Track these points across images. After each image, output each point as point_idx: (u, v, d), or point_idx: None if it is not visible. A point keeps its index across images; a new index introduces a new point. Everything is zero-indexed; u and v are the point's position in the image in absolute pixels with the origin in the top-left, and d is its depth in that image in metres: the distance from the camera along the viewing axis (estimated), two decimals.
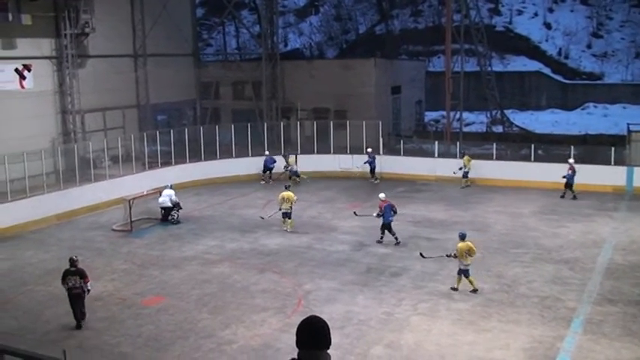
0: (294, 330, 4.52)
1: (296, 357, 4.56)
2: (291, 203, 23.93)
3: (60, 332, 15.74)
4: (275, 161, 32.88)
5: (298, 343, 4.52)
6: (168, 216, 25.56)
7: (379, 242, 22.26)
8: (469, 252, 17.41)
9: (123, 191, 26.53)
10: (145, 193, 26.56)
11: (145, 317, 16.56)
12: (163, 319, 16.37)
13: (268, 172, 32.76)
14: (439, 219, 25.62)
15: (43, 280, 19.54)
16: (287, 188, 24.58)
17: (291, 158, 32.56)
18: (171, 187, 26.09)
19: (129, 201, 24.89)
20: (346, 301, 17.20)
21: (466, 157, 31.08)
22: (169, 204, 25.50)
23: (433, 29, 56.37)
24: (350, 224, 24.98)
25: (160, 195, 25.88)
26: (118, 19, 36.87)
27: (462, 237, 17.67)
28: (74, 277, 16.14)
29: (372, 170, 32.32)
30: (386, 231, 22.17)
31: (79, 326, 15.89)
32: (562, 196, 28.15)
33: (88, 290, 16.26)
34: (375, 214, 22.49)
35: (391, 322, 15.87)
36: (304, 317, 4.65)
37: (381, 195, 23.01)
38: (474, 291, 17.48)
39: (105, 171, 29.56)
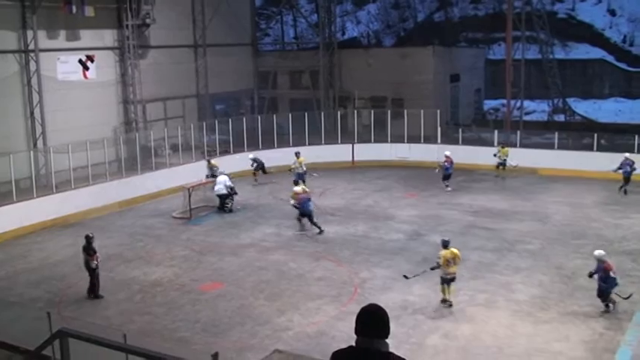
0: (350, 318, 4.51)
1: (353, 345, 4.55)
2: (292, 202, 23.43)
3: (120, 317, 16.11)
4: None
5: (357, 331, 4.50)
6: (224, 204, 25.82)
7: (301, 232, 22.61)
8: (454, 260, 15.83)
9: (182, 179, 26.94)
10: (203, 181, 26.91)
11: (203, 303, 16.83)
12: (221, 305, 16.60)
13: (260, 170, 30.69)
14: (498, 209, 25.26)
15: (104, 266, 19.89)
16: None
17: (301, 158, 28.85)
18: (224, 174, 26.21)
19: (188, 189, 25.27)
20: (402, 290, 17.13)
21: (502, 148, 30.49)
22: (224, 191, 25.67)
23: (493, 16, 55.30)
24: (407, 213, 24.86)
25: (215, 183, 26.03)
26: (179, 10, 37.33)
27: (445, 244, 16.01)
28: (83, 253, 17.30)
29: (448, 177, 28.72)
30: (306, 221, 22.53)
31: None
32: (623, 191, 26.61)
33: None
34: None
35: (447, 312, 15.74)
36: (360, 306, 4.64)
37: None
38: (445, 301, 15.94)
39: (165, 159, 30.09)
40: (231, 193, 25.86)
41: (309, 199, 22.69)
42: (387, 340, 4.46)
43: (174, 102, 36.81)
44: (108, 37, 33.01)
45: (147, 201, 27.58)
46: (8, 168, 23.40)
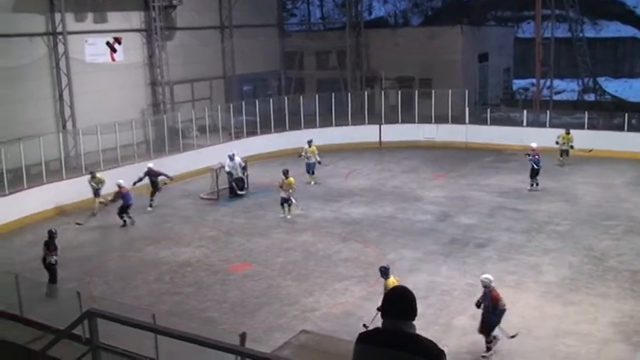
0: (377, 299, 4.52)
1: (380, 327, 4.55)
2: (292, 189, 22.30)
3: (149, 297, 16.29)
4: (242, 167, 26.18)
5: (384, 313, 4.50)
6: (243, 187, 25.63)
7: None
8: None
9: (210, 160, 27.01)
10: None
11: (231, 283, 16.96)
12: (249, 286, 16.72)
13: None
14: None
15: (133, 246, 20.22)
16: (286, 174, 22.45)
17: (312, 147, 27.20)
18: (234, 157, 25.41)
19: (216, 170, 25.37)
20: (430, 271, 17.11)
21: (567, 134, 28.35)
22: (241, 174, 25.52)
23: None
24: (434, 194, 24.76)
25: (227, 167, 25.33)
26: None
27: (386, 272, 13.33)
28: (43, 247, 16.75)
29: (536, 173, 24.96)
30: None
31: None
32: None
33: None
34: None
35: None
36: (392, 287, 4.63)
37: None
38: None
39: (193, 141, 30.24)
40: (244, 175, 25.72)
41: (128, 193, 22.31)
42: (414, 322, 4.44)
43: (202, 84, 36.89)
44: (135, 18, 33.10)
45: (175, 182, 27.71)
46: (38, 150, 23.64)
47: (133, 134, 27.32)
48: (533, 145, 25.01)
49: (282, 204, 22.42)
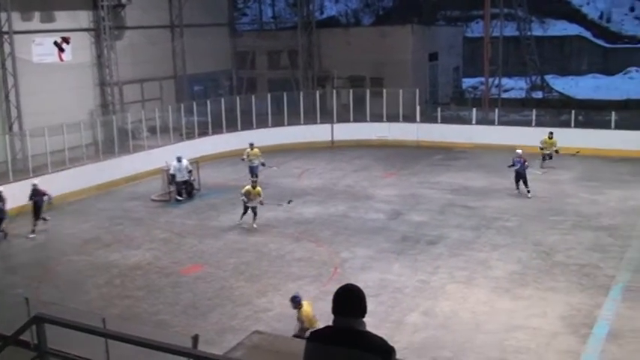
0: (330, 298, 4.53)
1: (331, 324, 4.58)
2: (260, 199, 21.13)
3: (100, 301, 16.04)
4: (189, 170, 25.31)
5: (334, 311, 4.53)
6: (192, 190, 25.30)
7: None
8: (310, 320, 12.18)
9: (161, 162, 26.73)
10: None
11: (183, 285, 16.81)
12: (201, 287, 16.60)
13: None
14: (477, 187, 25.41)
15: (82, 249, 19.90)
16: (254, 183, 21.52)
17: (254, 150, 26.42)
18: (181, 159, 24.93)
19: (167, 171, 25.12)
20: (382, 269, 17.22)
21: (550, 138, 27.31)
22: (187, 177, 24.97)
23: None
24: (386, 193, 24.94)
25: (172, 169, 24.87)
26: None
27: (298, 301, 12.31)
28: None
29: (524, 181, 23.85)
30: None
31: None
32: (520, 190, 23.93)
33: None
34: None
35: (427, 290, 15.86)
36: (340, 285, 4.66)
37: None
38: None
39: (143, 142, 29.89)
40: (190, 178, 25.26)
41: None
42: (364, 320, 4.48)
43: (152, 83, 36.49)
44: (83, 18, 32.56)
45: (125, 184, 27.40)
46: None
47: (82, 136, 26.87)
48: (519, 151, 23.95)
49: (244, 213, 21.23)
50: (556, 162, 27.41)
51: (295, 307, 12.29)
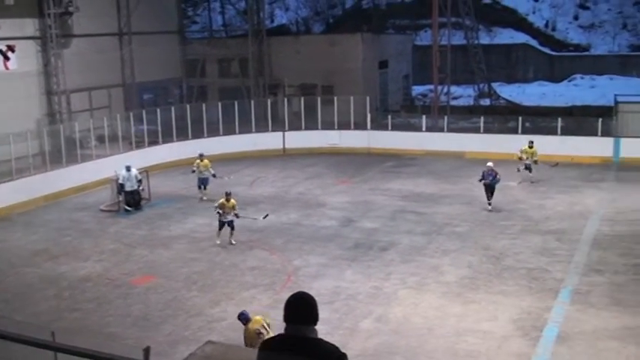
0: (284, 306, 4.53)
1: (282, 333, 4.58)
2: (235, 212, 20.08)
3: (48, 314, 15.71)
4: (138, 179, 24.78)
5: (286, 319, 4.54)
6: (140, 200, 24.82)
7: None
8: (263, 328, 11.60)
9: (110, 171, 26.34)
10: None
11: (134, 297, 16.58)
12: (152, 299, 16.39)
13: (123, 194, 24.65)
14: (427, 193, 25.69)
15: (31, 261, 19.47)
16: (228, 196, 20.23)
17: (204, 161, 25.55)
18: (130, 168, 24.51)
19: (116, 181, 24.76)
20: (335, 277, 17.26)
21: (530, 147, 26.10)
22: (136, 187, 24.52)
23: (420, 3, 55.76)
24: (338, 200, 25.03)
25: (120, 179, 24.35)
26: None
27: (246, 318, 11.95)
28: None
29: (491, 193, 23.02)
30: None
31: None
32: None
33: None
34: None
35: (379, 297, 15.95)
36: (293, 293, 4.66)
37: None
38: None
39: (91, 151, 29.40)
40: (139, 188, 24.79)
41: None
42: (315, 327, 4.49)
43: (100, 92, 36.00)
44: (29, 26, 31.97)
45: (73, 194, 26.90)
46: None
47: (29, 145, 26.27)
48: (490, 164, 23.14)
49: (220, 229, 20.17)
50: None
51: (244, 324, 11.94)
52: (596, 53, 53.06)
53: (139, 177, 24.72)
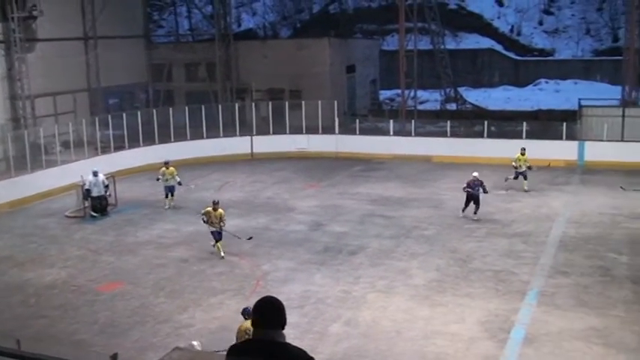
0: None
1: (250, 338, 4.57)
2: (222, 222, 19.31)
3: (14, 322, 15.45)
4: (105, 185, 24.48)
5: (253, 323, 4.53)
6: (107, 206, 24.46)
7: None
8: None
9: (75, 177, 26.03)
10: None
11: (101, 304, 16.39)
12: (119, 305, 16.22)
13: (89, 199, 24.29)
14: (395, 197, 25.80)
15: None
16: (215, 204, 19.45)
17: (170, 169, 24.94)
18: (97, 173, 24.15)
19: (82, 186, 24.48)
20: (304, 281, 17.25)
21: (523, 155, 25.68)
22: (103, 192, 24.19)
23: (387, 8, 56.28)
24: (307, 204, 25.02)
25: (87, 184, 23.98)
26: (67, 1, 36.09)
27: (248, 313, 11.42)
28: None
29: (476, 202, 22.37)
30: None
31: None
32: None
33: None
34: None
35: (349, 300, 15.98)
36: (260, 298, 4.65)
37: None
38: None
39: (57, 157, 29.02)
40: (106, 193, 24.46)
41: None
42: (283, 331, 4.48)
43: (65, 97, 35.58)
44: None
45: (39, 200, 26.53)
46: None
47: None
48: (476, 174, 22.64)
49: (217, 239, 19.34)
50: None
51: (246, 318, 11.62)
52: (561, 58, 53.84)
53: (106, 182, 24.45)
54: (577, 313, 14.82)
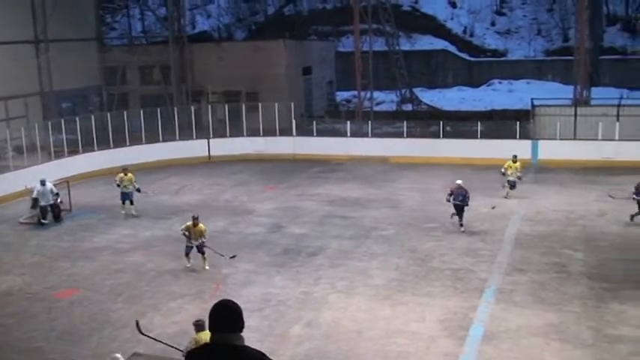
0: None
1: (208, 342, 4.55)
2: (203, 238, 18.40)
3: None
4: (55, 193, 23.69)
5: (211, 327, 4.51)
6: (59, 213, 23.84)
7: None
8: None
9: (28, 182, 25.54)
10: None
11: (58, 310, 16.11)
12: (77, 312, 15.97)
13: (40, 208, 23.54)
14: (354, 197, 25.89)
15: None
16: (195, 219, 18.51)
17: (128, 175, 24.24)
18: (45, 182, 23.41)
19: (30, 194, 23.93)
20: (264, 283, 17.20)
21: (514, 162, 24.60)
22: (52, 201, 23.47)
23: (341, 10, 56.48)
24: (266, 207, 24.96)
25: (41, 194, 23.30)
26: (17, 4, 35.46)
27: (202, 326, 11.37)
28: None
29: (460, 213, 21.20)
30: None
31: None
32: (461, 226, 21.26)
33: None
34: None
35: (309, 302, 15.98)
36: (217, 301, 4.63)
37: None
38: None
39: (9, 162, 28.45)
40: (57, 201, 23.79)
41: None
42: (242, 335, 4.47)
43: (16, 101, 34.94)
44: None
45: None
46: None
47: None
48: (459, 182, 21.35)
49: (187, 254, 18.47)
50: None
51: (200, 330, 11.34)
52: (513, 58, 54.61)
53: (55, 190, 23.69)
54: (534, 310, 15.06)
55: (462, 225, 21.02)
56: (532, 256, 18.60)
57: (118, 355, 11.09)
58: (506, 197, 24.76)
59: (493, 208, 22.92)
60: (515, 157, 24.63)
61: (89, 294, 17.07)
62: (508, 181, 24.65)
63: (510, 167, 24.56)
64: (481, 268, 17.74)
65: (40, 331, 14.97)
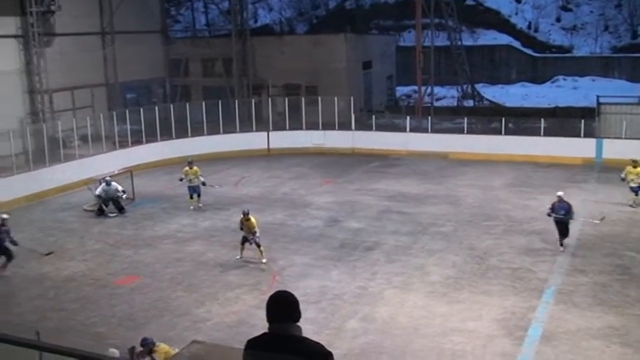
0: None
1: (267, 331, 4.59)
2: (254, 232, 18.33)
3: (33, 314, 15.61)
4: (120, 191, 23.91)
5: (268, 318, 4.55)
6: (122, 209, 24.07)
7: None
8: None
9: (93, 171, 26.21)
10: (115, 172, 26.16)
11: (119, 297, 16.50)
12: (137, 299, 16.32)
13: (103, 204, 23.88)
14: (413, 193, 25.74)
15: (15, 262, 19.26)
16: (246, 215, 18.43)
17: (194, 168, 24.09)
18: (110, 183, 23.69)
19: (99, 180, 24.60)
20: (320, 276, 17.27)
21: (635, 167, 22.65)
22: (116, 197, 23.87)
23: (403, 4, 56.01)
24: (324, 200, 25.03)
25: (99, 191, 23.76)
26: None
27: (151, 344, 11.35)
28: None
29: (565, 231, 18.85)
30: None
31: None
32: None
33: None
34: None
35: (365, 296, 15.98)
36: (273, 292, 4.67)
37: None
38: None
39: (75, 151, 29.22)
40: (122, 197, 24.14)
41: None
42: (299, 325, 4.50)
43: (83, 91, 35.81)
44: (11, 24, 31.73)
45: (57, 194, 26.73)
46: None
47: (11, 145, 26.04)
48: (560, 193, 19.07)
49: (242, 242, 18.57)
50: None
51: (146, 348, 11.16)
52: (579, 55, 53.40)
53: (121, 188, 23.89)
54: (594, 312, 14.74)
55: (562, 245, 18.71)
56: (594, 257, 18.20)
57: (114, 350, 11.20)
58: (632, 206, 22.83)
59: (602, 219, 20.36)
60: (635, 161, 22.62)
61: (149, 281, 17.43)
62: (631, 187, 22.76)
63: (630, 173, 22.68)
64: (541, 268, 17.45)
65: (101, 316, 15.36)
